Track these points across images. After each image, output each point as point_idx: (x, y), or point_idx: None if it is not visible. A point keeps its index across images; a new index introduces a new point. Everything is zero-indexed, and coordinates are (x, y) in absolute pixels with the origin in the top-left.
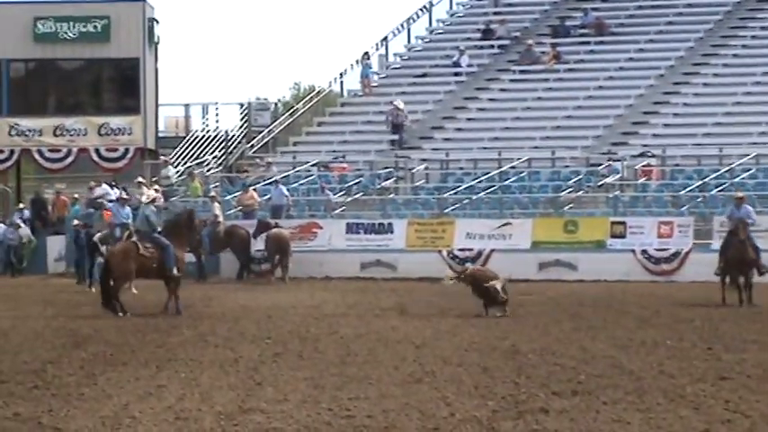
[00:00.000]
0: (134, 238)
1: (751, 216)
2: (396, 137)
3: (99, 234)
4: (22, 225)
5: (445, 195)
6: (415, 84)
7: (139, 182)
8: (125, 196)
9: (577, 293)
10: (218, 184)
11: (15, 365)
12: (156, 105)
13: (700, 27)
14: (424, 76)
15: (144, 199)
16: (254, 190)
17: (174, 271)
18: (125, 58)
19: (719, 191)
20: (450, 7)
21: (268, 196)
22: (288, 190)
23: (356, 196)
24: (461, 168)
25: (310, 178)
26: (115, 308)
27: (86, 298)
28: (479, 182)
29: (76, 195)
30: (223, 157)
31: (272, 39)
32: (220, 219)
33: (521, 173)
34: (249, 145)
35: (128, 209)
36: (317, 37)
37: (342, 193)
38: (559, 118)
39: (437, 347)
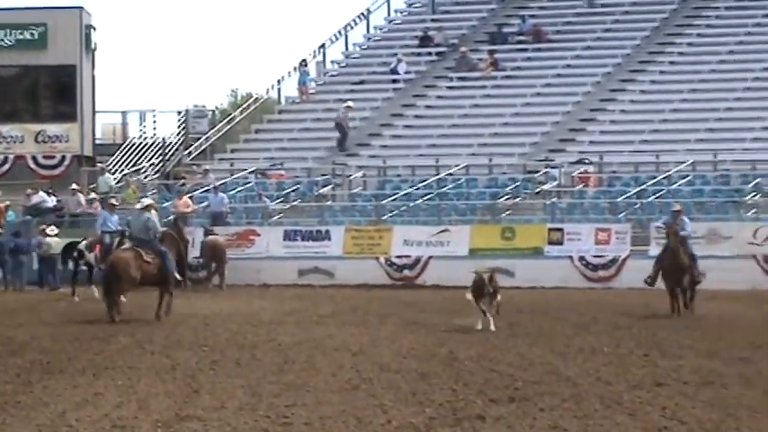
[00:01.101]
0: (127, 245)
1: (685, 227)
2: (338, 138)
3: (84, 242)
4: None
5: (383, 202)
6: (352, 91)
7: (74, 189)
8: (114, 203)
9: (515, 300)
10: (155, 191)
11: None
12: (93, 112)
13: (636, 35)
14: (361, 83)
15: (138, 206)
16: (190, 197)
17: (176, 276)
18: (62, 65)
19: (657, 197)
20: (388, 14)
21: (206, 203)
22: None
23: (294, 203)
24: (399, 175)
25: (248, 185)
26: (113, 315)
27: (19, 304)
28: (417, 189)
29: (8, 202)
30: (160, 165)
31: (209, 46)
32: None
33: (458, 180)
34: (186, 152)
35: (116, 216)
36: (255, 44)
37: (279, 200)
38: (497, 125)
39: (375, 354)
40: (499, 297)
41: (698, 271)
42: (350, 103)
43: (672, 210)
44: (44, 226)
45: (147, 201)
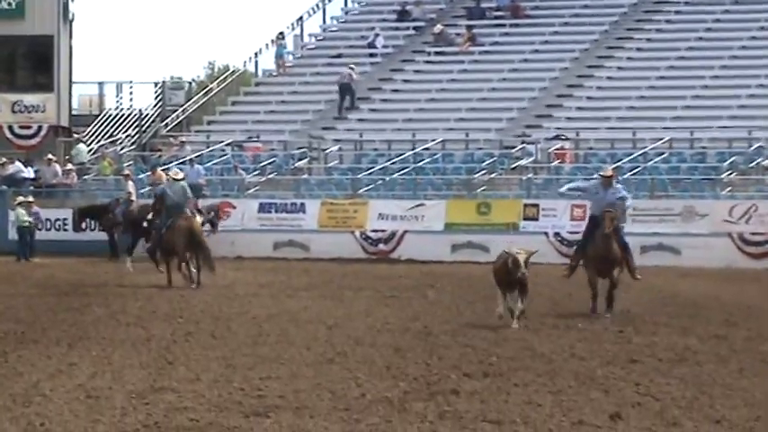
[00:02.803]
0: (187, 213)
1: (626, 200)
2: (344, 100)
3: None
4: None
5: (359, 176)
6: (330, 64)
7: (50, 159)
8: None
9: (490, 275)
10: (131, 162)
11: None
12: (70, 83)
13: (614, 11)
14: (339, 56)
15: (174, 176)
16: (165, 170)
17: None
18: (39, 35)
19: (633, 174)
20: None
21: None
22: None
23: (270, 176)
24: (375, 149)
25: (224, 158)
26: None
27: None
28: (393, 163)
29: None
30: (137, 136)
31: (186, 18)
32: (134, 197)
33: (434, 155)
34: (163, 124)
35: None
36: (232, 17)
37: (255, 172)
38: (474, 100)
39: (349, 328)
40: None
41: (634, 264)
42: (353, 66)
43: (600, 174)
44: (21, 197)
45: (180, 173)
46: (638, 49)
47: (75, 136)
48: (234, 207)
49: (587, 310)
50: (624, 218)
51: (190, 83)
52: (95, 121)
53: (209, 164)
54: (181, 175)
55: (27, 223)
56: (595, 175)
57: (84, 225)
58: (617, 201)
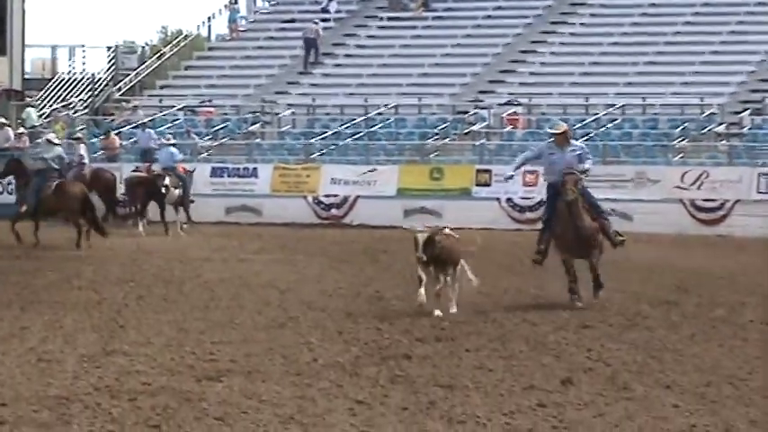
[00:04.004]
0: None
1: (584, 159)
2: (308, 55)
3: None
4: None
5: (311, 141)
6: (283, 29)
7: (3, 123)
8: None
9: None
10: (84, 126)
11: None
12: (23, 46)
13: None
14: (292, 21)
15: (51, 139)
16: (118, 134)
17: None
18: None
19: (585, 140)
20: None
21: (134, 139)
22: (155, 133)
23: (222, 141)
24: (328, 114)
25: (176, 122)
26: None
27: None
28: (346, 128)
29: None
30: (90, 100)
31: None
32: (86, 161)
33: (387, 120)
34: (116, 88)
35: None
36: None
37: (208, 137)
38: (427, 65)
39: (301, 293)
40: (463, 271)
41: (612, 228)
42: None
43: (551, 132)
44: None
45: (57, 138)
46: (592, 15)
47: (28, 99)
48: (186, 171)
49: (539, 275)
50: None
51: (143, 47)
52: (48, 85)
53: (161, 128)
54: (57, 141)
55: None
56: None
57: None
58: (578, 160)
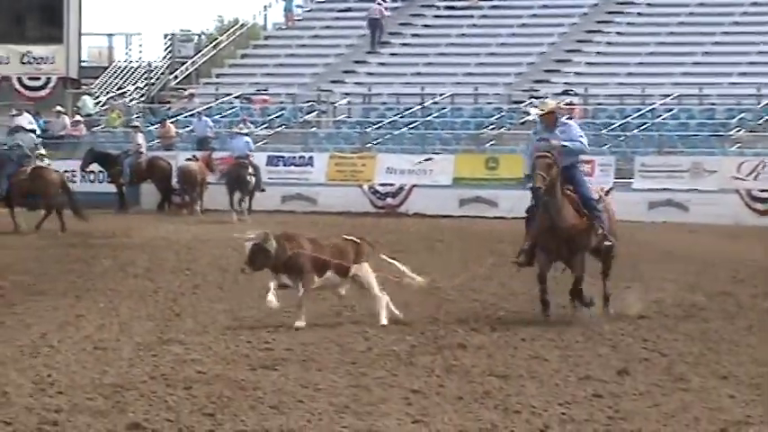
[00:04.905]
0: None
1: (574, 140)
2: (372, 34)
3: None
4: None
5: (367, 130)
6: (338, 18)
7: (59, 111)
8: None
9: (498, 230)
10: (140, 114)
11: None
12: (80, 35)
13: None
14: (348, 10)
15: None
16: (174, 123)
17: None
18: None
19: (641, 130)
20: None
21: (190, 128)
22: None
23: (278, 129)
24: (384, 103)
25: (232, 111)
26: None
27: (4, 227)
28: (402, 117)
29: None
30: (146, 88)
31: None
32: (143, 149)
33: (443, 109)
34: (172, 76)
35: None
36: None
37: (264, 126)
38: (483, 55)
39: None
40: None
41: (603, 229)
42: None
43: (538, 113)
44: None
45: (30, 124)
46: (649, 5)
47: (84, 88)
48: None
49: (597, 265)
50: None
51: (199, 35)
52: (104, 73)
53: (217, 117)
54: (30, 126)
55: None
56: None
57: (89, 168)
58: (562, 142)
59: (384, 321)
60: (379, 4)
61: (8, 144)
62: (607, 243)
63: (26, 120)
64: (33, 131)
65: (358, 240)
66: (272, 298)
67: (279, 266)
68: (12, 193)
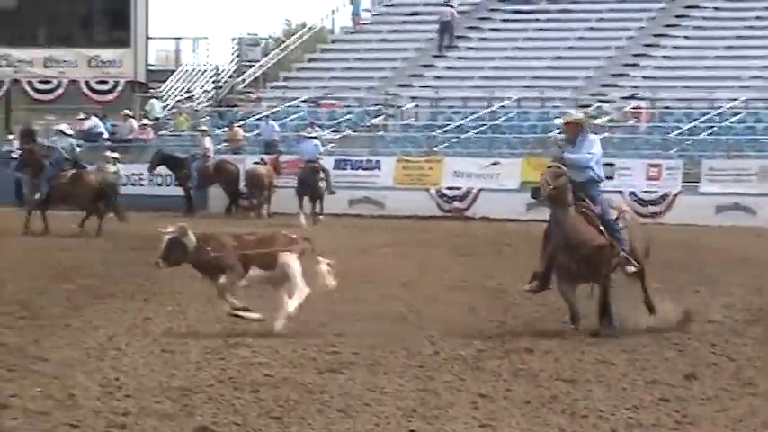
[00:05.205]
0: None
1: (590, 152)
2: (442, 37)
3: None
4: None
5: (434, 133)
6: (406, 22)
7: (127, 115)
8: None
9: None
10: (207, 118)
11: (1, 296)
12: (147, 38)
13: None
14: (415, 14)
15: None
16: (241, 126)
17: None
18: None
19: (709, 134)
20: None
21: (257, 131)
22: (277, 125)
23: (345, 133)
24: (451, 107)
25: (299, 114)
26: None
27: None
28: (469, 121)
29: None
30: (213, 92)
31: None
32: (210, 153)
33: (510, 113)
34: (240, 80)
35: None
36: None
37: (331, 129)
38: (550, 58)
39: (423, 285)
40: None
41: (624, 251)
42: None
43: (560, 123)
44: (109, 153)
45: (69, 129)
46: (716, 9)
47: (152, 91)
48: None
49: (662, 270)
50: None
51: (266, 39)
52: (172, 77)
53: (284, 120)
54: (70, 131)
55: (114, 178)
56: None
57: (156, 171)
58: (568, 155)
59: (279, 326)
60: (450, 6)
61: (47, 147)
62: (630, 269)
63: (94, 124)
64: (72, 136)
65: (292, 235)
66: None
67: (198, 267)
68: (51, 197)
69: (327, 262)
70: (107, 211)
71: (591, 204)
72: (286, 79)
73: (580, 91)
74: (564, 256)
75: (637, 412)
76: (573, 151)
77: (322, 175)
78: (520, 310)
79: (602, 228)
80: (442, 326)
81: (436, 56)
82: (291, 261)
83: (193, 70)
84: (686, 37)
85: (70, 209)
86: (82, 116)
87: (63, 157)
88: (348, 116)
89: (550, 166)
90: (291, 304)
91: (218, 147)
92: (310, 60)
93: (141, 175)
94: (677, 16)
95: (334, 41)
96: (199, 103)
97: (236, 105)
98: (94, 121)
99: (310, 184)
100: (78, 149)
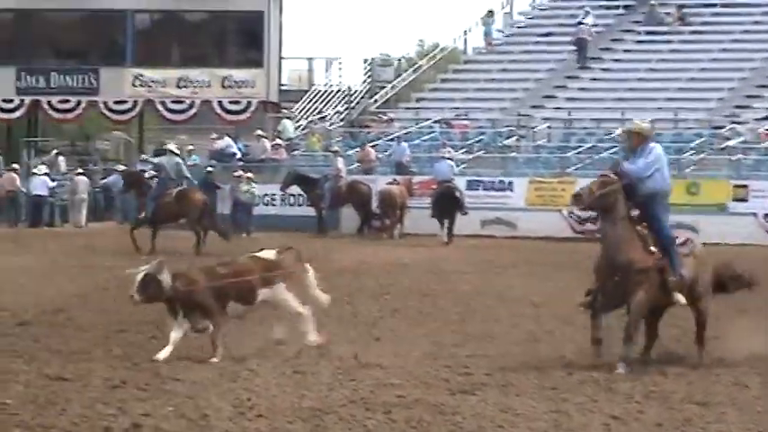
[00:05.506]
0: None
1: (648, 161)
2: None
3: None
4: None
5: (567, 155)
6: (538, 42)
7: (259, 135)
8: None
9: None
10: (339, 138)
11: (134, 316)
12: (280, 59)
13: None
14: (548, 34)
15: (171, 148)
16: (373, 147)
17: None
18: (249, 10)
19: None
20: None
21: (389, 152)
22: (409, 146)
23: (477, 154)
24: (584, 128)
25: (432, 135)
26: None
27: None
28: (602, 142)
29: (191, 147)
30: (345, 112)
31: None
32: (342, 173)
33: None
34: (372, 100)
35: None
36: None
37: (463, 150)
38: (683, 80)
39: (556, 307)
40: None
41: (680, 276)
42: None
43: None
44: (244, 173)
45: (176, 149)
46: None
47: (284, 111)
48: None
49: None
50: (661, 202)
51: (399, 60)
52: (304, 97)
53: (416, 141)
54: (177, 150)
55: (250, 198)
56: None
57: (289, 191)
58: (638, 166)
59: (313, 339)
60: (585, 24)
61: (154, 166)
62: (679, 299)
63: (226, 144)
64: (178, 155)
65: (270, 256)
66: (167, 349)
67: (175, 305)
68: (157, 215)
69: (313, 275)
70: (210, 229)
71: (649, 222)
72: (418, 100)
73: (713, 112)
74: (605, 274)
75: None
76: (632, 162)
77: (457, 194)
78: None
79: (653, 248)
80: (574, 347)
81: (569, 77)
82: (277, 294)
83: (326, 90)
84: None
85: (176, 227)
86: (214, 136)
87: (169, 176)
88: (480, 137)
89: (601, 175)
90: (311, 336)
91: (350, 167)
92: (443, 81)
93: (273, 195)
94: None
95: (466, 62)
96: (331, 124)
97: (368, 126)
98: (227, 141)
99: (446, 203)
100: (184, 168)
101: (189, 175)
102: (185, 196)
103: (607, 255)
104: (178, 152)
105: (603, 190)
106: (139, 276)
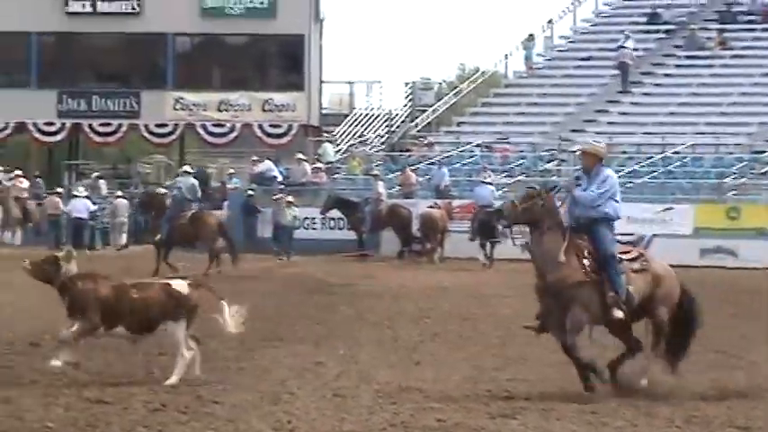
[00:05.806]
0: None
1: (601, 189)
2: (619, 76)
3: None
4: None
5: None
6: (579, 67)
7: (300, 158)
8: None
9: (738, 281)
10: (380, 162)
11: None
12: (321, 82)
13: None
14: (588, 59)
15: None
16: (414, 170)
17: None
18: (290, 34)
19: None
20: None
21: (429, 176)
22: (450, 170)
23: (518, 178)
24: (624, 152)
25: (473, 159)
26: None
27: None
28: (642, 166)
29: (232, 170)
30: (386, 136)
31: (437, 19)
32: (383, 197)
33: (684, 158)
34: (413, 124)
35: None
36: (483, 18)
37: (504, 174)
38: (724, 104)
39: (595, 330)
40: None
41: (616, 293)
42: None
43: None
44: (285, 196)
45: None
46: None
47: (325, 135)
48: None
49: None
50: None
51: (440, 83)
52: (345, 121)
53: (457, 165)
54: (192, 171)
55: (292, 222)
56: None
57: (329, 214)
58: (588, 194)
59: (173, 381)
60: (626, 48)
61: (170, 188)
62: (616, 314)
63: (267, 167)
64: (196, 177)
65: (184, 290)
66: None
67: (63, 297)
68: (171, 237)
69: (229, 306)
70: (225, 252)
71: (591, 242)
72: (459, 124)
73: (754, 137)
74: (539, 293)
75: None
76: (586, 186)
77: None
78: (693, 357)
79: (586, 262)
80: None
81: (610, 101)
82: (173, 331)
83: (366, 114)
84: None
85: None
86: (255, 159)
87: (184, 197)
88: (521, 161)
89: (527, 188)
90: (173, 377)
91: (391, 191)
92: (483, 105)
93: (314, 218)
94: None
95: (507, 86)
96: (371, 147)
97: (408, 150)
98: (268, 164)
99: (487, 226)
100: (199, 190)
101: (200, 197)
102: (199, 219)
103: (538, 272)
104: (193, 172)
105: (526, 204)
106: (44, 256)
